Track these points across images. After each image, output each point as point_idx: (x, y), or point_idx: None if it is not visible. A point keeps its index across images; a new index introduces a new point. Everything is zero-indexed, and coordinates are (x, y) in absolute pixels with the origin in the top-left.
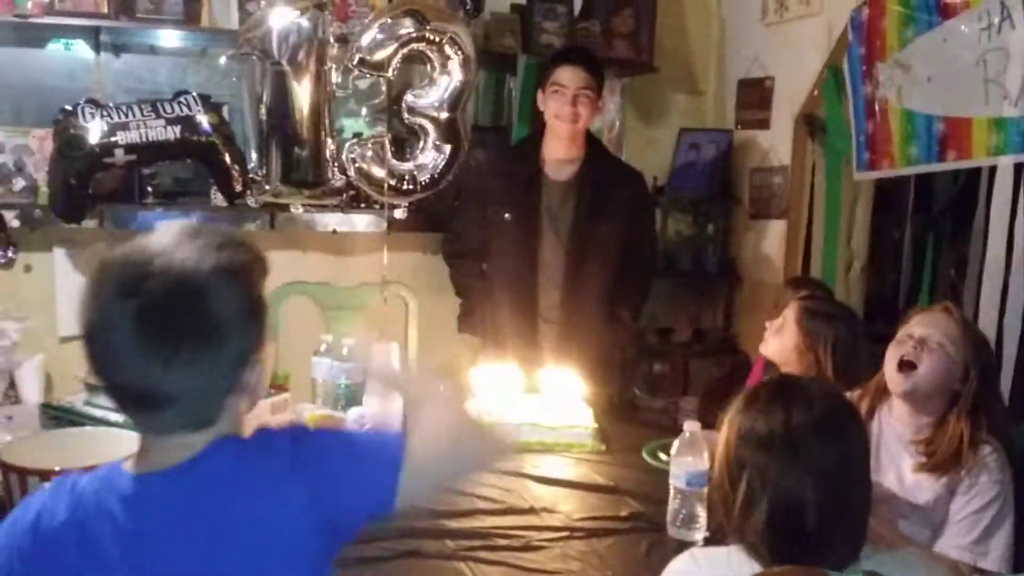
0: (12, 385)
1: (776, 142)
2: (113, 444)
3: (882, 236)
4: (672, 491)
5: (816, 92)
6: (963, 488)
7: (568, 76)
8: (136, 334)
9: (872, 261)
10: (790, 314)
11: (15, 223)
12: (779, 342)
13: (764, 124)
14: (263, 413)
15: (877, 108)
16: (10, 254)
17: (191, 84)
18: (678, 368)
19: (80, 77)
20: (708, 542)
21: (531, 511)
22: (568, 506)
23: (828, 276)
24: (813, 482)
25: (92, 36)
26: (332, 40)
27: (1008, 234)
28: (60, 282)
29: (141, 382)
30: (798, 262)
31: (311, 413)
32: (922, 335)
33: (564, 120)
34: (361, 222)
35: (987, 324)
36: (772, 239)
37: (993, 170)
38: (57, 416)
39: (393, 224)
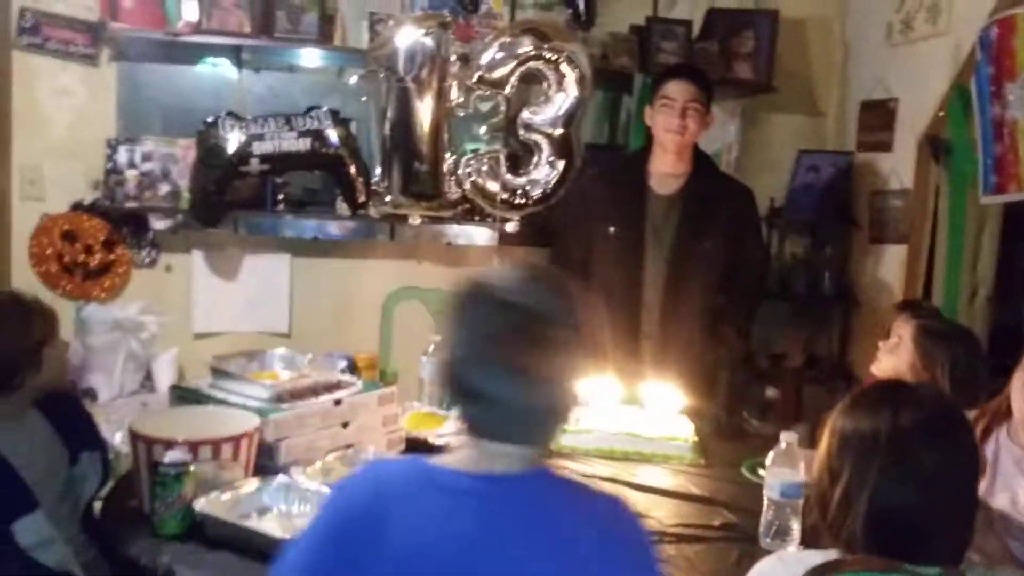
0: (148, 375)
1: (898, 165)
2: (228, 421)
3: (1010, 263)
4: (766, 502)
5: (941, 113)
6: None
7: (677, 89)
8: (494, 348)
9: (998, 290)
10: (906, 333)
11: (159, 225)
12: (893, 361)
13: (886, 146)
14: (370, 403)
15: (1005, 130)
16: (153, 255)
17: (323, 101)
18: (790, 394)
19: (223, 93)
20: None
21: None
22: (661, 512)
23: (949, 303)
24: (915, 485)
25: (235, 54)
26: (454, 58)
27: None
28: (196, 282)
29: (493, 390)
30: (918, 288)
31: (415, 411)
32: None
33: (672, 132)
34: (475, 234)
35: None
36: (891, 264)
37: None
38: (184, 396)
39: (505, 237)
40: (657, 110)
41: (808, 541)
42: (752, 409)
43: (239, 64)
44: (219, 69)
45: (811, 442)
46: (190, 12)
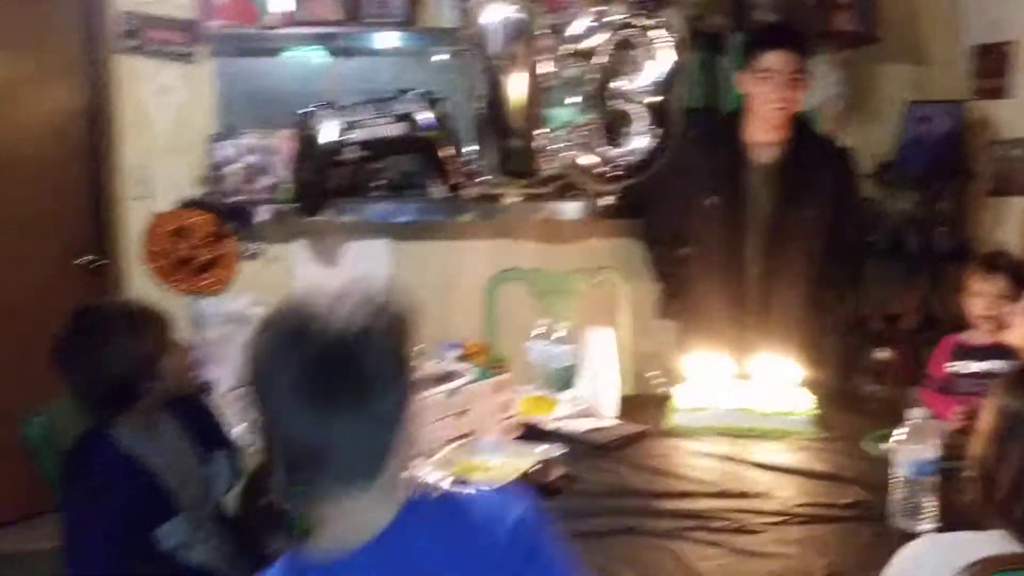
0: None
1: (1018, 112)
2: None
3: None
4: (897, 480)
5: None
6: None
7: (776, 61)
8: (296, 390)
9: None
10: None
11: (263, 216)
12: None
13: (1004, 93)
14: (485, 390)
15: None
16: (258, 246)
17: (413, 82)
18: (906, 356)
19: (315, 81)
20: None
21: (745, 495)
22: (785, 492)
23: None
24: None
25: (326, 42)
26: (544, 31)
27: None
28: (299, 271)
29: (301, 435)
30: None
31: (527, 395)
32: None
33: (774, 105)
34: (570, 210)
35: None
36: (1013, 218)
37: None
38: None
39: (601, 211)
40: (755, 81)
41: (953, 520)
42: (866, 372)
43: (330, 51)
44: (310, 57)
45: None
46: (281, 4)
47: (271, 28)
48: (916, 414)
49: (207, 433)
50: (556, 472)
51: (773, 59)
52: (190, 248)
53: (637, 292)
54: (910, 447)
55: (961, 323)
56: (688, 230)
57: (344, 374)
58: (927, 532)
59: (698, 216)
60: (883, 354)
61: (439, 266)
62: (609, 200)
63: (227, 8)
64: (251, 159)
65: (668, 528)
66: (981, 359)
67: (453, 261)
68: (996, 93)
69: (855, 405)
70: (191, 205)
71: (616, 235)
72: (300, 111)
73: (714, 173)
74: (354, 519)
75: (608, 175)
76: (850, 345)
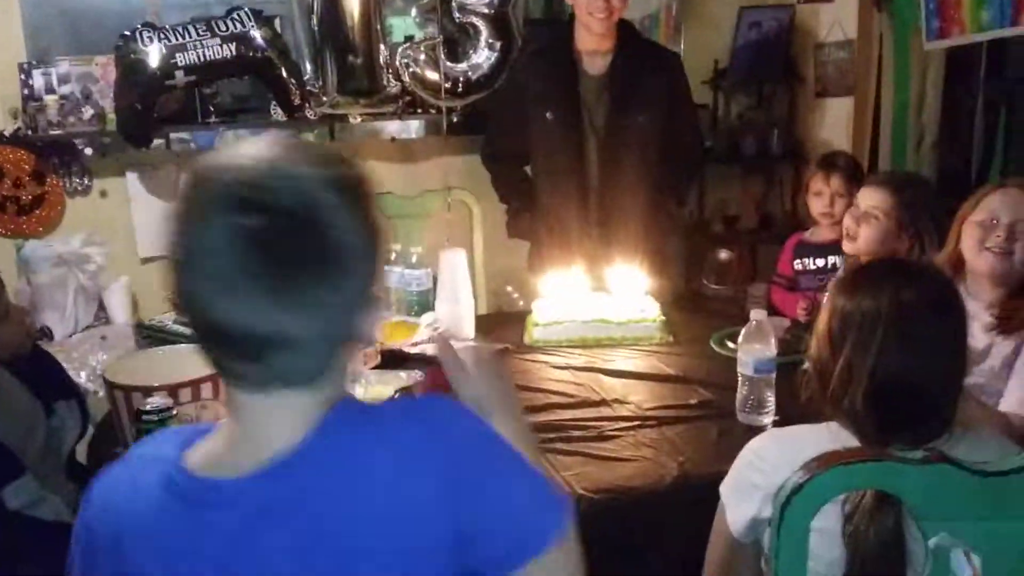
0: (102, 307)
1: (841, 15)
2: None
3: (954, 108)
4: (740, 378)
5: None
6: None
7: None
8: (251, 260)
9: (944, 134)
10: (879, 203)
11: (88, 151)
12: (869, 233)
13: None
14: None
15: None
16: (86, 181)
17: None
18: (745, 255)
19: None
20: (776, 426)
21: (603, 403)
22: (638, 396)
23: (897, 152)
24: (916, 356)
25: None
26: None
27: None
28: (135, 205)
29: (249, 321)
30: (866, 140)
31: (385, 321)
32: (1009, 222)
33: (598, 14)
34: (418, 127)
35: None
36: (839, 118)
37: None
38: (150, 335)
39: (450, 127)
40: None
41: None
42: (709, 273)
43: None
44: None
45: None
46: None
47: None
48: (755, 314)
49: (50, 384)
50: (420, 396)
51: None
52: (8, 188)
53: (490, 210)
54: (750, 346)
55: (797, 222)
56: (528, 146)
57: (304, 246)
58: (769, 425)
59: (537, 131)
60: (724, 255)
61: None
62: (456, 116)
63: None
64: (68, 89)
65: None
66: (822, 256)
67: None
68: None
69: (701, 306)
70: (5, 142)
71: (468, 152)
72: (120, 34)
73: (549, 87)
74: (279, 424)
75: (453, 91)
76: (693, 247)
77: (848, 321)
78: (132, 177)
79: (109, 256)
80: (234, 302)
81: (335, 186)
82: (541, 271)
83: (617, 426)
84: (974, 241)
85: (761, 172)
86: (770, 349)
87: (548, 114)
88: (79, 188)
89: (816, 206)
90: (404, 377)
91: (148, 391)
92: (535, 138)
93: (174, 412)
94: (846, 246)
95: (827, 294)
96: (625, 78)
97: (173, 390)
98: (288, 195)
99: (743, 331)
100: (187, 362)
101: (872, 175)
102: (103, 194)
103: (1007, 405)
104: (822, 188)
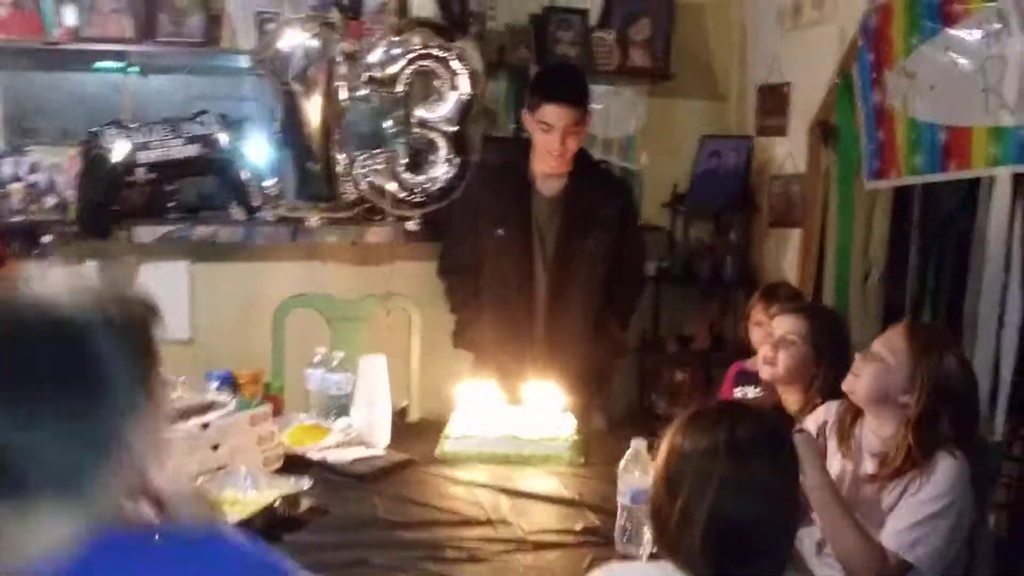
0: None
1: (793, 149)
2: None
3: (900, 246)
4: (619, 507)
5: (830, 99)
6: (912, 488)
7: (554, 115)
8: None
9: (891, 271)
10: (794, 329)
11: (45, 239)
12: (787, 359)
13: (782, 131)
14: (241, 423)
15: (885, 117)
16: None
17: (217, 103)
18: (698, 376)
19: (108, 98)
20: (652, 558)
21: (488, 523)
22: (525, 519)
23: (840, 286)
24: (753, 497)
25: (118, 59)
26: (341, 58)
27: (1007, 247)
28: None
29: None
30: (811, 271)
31: (300, 423)
32: (870, 349)
33: (554, 154)
34: (378, 233)
35: (985, 338)
36: (790, 247)
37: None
38: None
39: (409, 235)
40: (535, 127)
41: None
42: (662, 392)
43: (123, 68)
44: (104, 73)
45: None
46: (68, 19)
47: (56, 44)
48: (634, 443)
49: None
50: (305, 504)
51: (552, 112)
52: None
53: (430, 318)
54: (628, 475)
55: (749, 347)
56: (480, 260)
57: (51, 357)
58: (644, 557)
59: (488, 247)
60: (681, 375)
61: (242, 287)
62: (413, 225)
63: (9, 21)
64: (35, 178)
65: (400, 559)
66: (759, 385)
67: (257, 282)
68: (776, 131)
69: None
70: None
71: (424, 259)
72: (88, 130)
73: (502, 204)
74: (31, 538)
75: (410, 201)
76: (646, 366)
77: (686, 460)
78: (91, 267)
79: None
80: None
81: (100, 321)
82: (464, 383)
83: (493, 548)
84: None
85: (716, 296)
86: (648, 479)
87: (499, 230)
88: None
89: (756, 336)
90: (293, 484)
91: None
92: (485, 252)
93: None
94: (764, 372)
95: (663, 433)
96: (578, 202)
97: None
98: (39, 328)
99: (623, 460)
100: None
101: (785, 304)
102: None
103: (885, 539)
104: (762, 318)
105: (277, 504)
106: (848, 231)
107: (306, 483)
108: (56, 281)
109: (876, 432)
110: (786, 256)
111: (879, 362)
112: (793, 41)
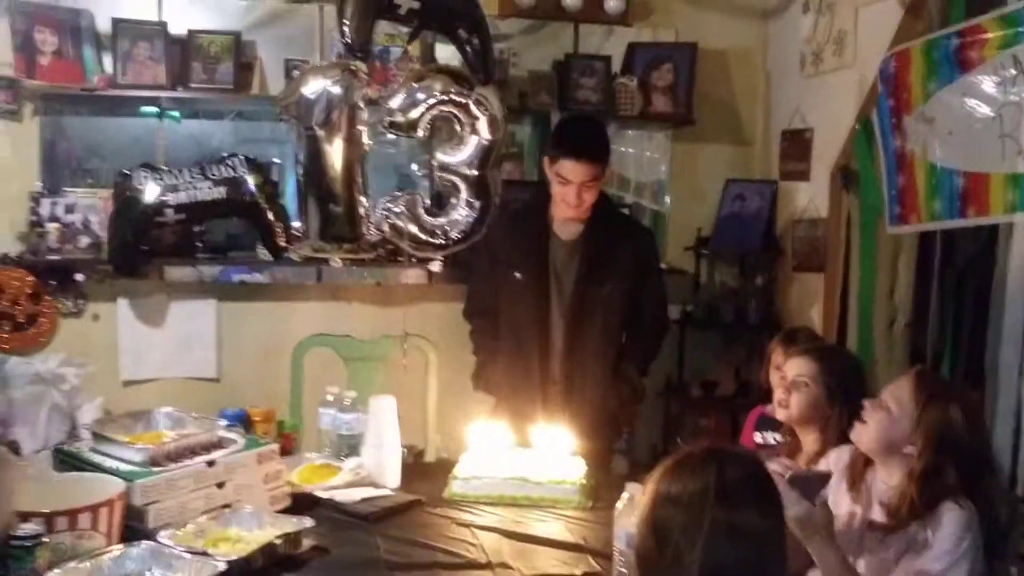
0: (75, 426)
1: (815, 194)
2: (94, 488)
3: (926, 292)
4: (616, 552)
5: (850, 144)
6: (917, 541)
7: (572, 171)
8: None
9: (917, 317)
10: (805, 371)
11: (79, 277)
12: (800, 400)
13: (805, 176)
14: (248, 461)
15: (906, 162)
16: (80, 304)
17: (249, 146)
18: (723, 422)
19: (142, 142)
20: None
21: (488, 566)
22: (526, 563)
23: (863, 331)
24: (745, 537)
25: (152, 105)
26: (363, 104)
27: None
28: (123, 330)
29: None
30: (834, 316)
31: (310, 463)
32: (877, 398)
33: (571, 206)
34: (402, 274)
35: (1007, 388)
36: (812, 292)
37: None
38: (65, 460)
39: (434, 276)
40: (553, 178)
41: None
42: (687, 437)
43: (160, 114)
44: (143, 119)
45: None
46: (106, 67)
47: (94, 91)
48: (630, 488)
49: None
50: (306, 543)
51: (569, 168)
52: (7, 304)
53: (448, 359)
54: (624, 520)
55: (771, 392)
56: (499, 304)
57: None
58: None
59: (506, 289)
60: (705, 420)
61: (268, 326)
62: (436, 267)
63: (52, 68)
64: (71, 218)
65: None
66: (780, 430)
67: (282, 321)
68: (799, 175)
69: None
70: (9, 262)
71: (447, 300)
72: (120, 172)
73: (521, 248)
74: None
75: (431, 243)
76: (671, 411)
77: (673, 505)
78: (123, 303)
79: (91, 377)
80: None
81: None
82: (475, 424)
83: None
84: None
85: (740, 340)
86: None
87: (518, 274)
88: (73, 310)
89: (775, 380)
90: (295, 522)
91: (24, 517)
92: (504, 296)
93: (45, 540)
94: (779, 414)
95: (647, 479)
96: (596, 247)
97: (49, 518)
98: None
99: (619, 504)
100: (78, 490)
101: (796, 346)
102: (95, 317)
103: None
104: (781, 362)
105: (278, 542)
106: (870, 276)
107: (308, 522)
108: None
109: (885, 480)
110: (810, 300)
111: (884, 411)
112: (815, 87)
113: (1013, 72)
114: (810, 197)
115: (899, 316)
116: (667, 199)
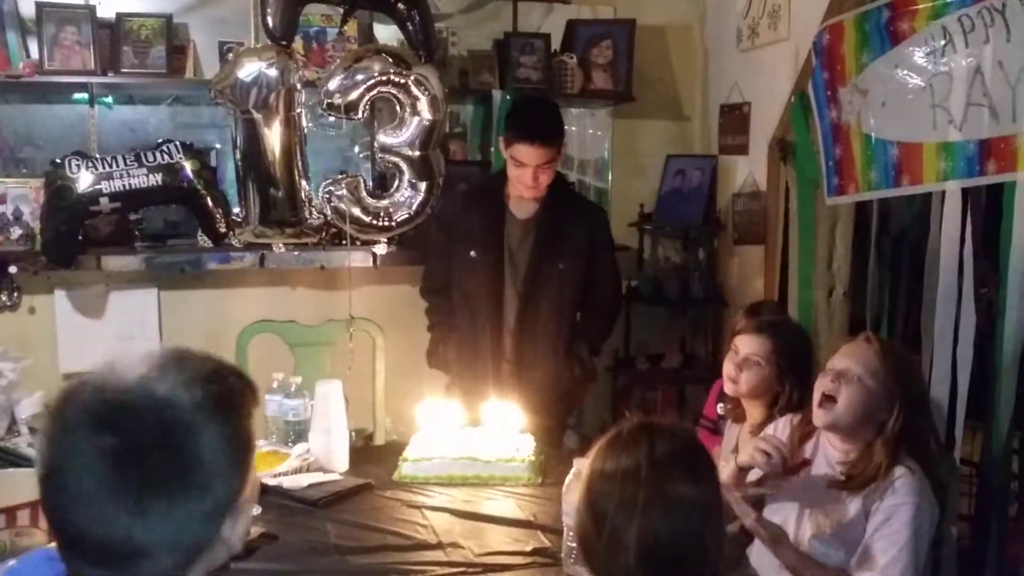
0: (14, 422)
1: (754, 167)
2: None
3: (864, 262)
4: (565, 528)
5: (787, 117)
6: (873, 510)
7: (527, 154)
8: (109, 477)
9: (856, 285)
10: (758, 350)
11: (12, 269)
12: (750, 378)
13: (744, 149)
14: None
15: (841, 133)
16: (15, 297)
17: (184, 132)
18: (670, 394)
19: (74, 129)
20: None
21: (438, 546)
22: (476, 541)
23: (804, 301)
24: (680, 510)
25: (85, 91)
26: (300, 86)
27: (958, 261)
28: (61, 322)
29: (107, 532)
30: (775, 288)
31: (258, 450)
32: (841, 368)
33: (527, 187)
34: (339, 258)
35: (942, 352)
36: (753, 265)
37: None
38: (2, 456)
39: (380, 259)
40: (508, 159)
41: None
42: (634, 411)
43: (91, 100)
44: (74, 106)
45: None
46: (32, 53)
47: (20, 78)
48: (577, 463)
49: None
50: (254, 532)
51: (524, 152)
52: None
53: (395, 341)
54: (572, 495)
55: (718, 364)
56: (454, 282)
57: (160, 464)
58: None
59: (459, 267)
60: (652, 394)
61: (212, 313)
62: (382, 249)
63: None
64: (2, 209)
65: None
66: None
67: (226, 308)
68: (737, 149)
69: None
70: None
71: (396, 282)
72: (52, 160)
73: (477, 226)
74: None
75: (375, 226)
76: (619, 385)
77: (608, 483)
78: (60, 295)
79: (29, 370)
80: (95, 515)
81: (203, 408)
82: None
83: (443, 572)
84: (815, 392)
85: (685, 314)
86: None
87: (472, 252)
88: (8, 303)
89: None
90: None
91: None
92: (458, 274)
93: None
94: (728, 387)
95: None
96: (551, 225)
97: None
98: (146, 417)
99: (567, 479)
100: (18, 486)
101: (749, 321)
102: (32, 310)
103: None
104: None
105: None
106: (809, 246)
107: (256, 509)
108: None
109: (837, 447)
110: (752, 273)
111: (856, 385)
112: (751, 61)
113: (942, 43)
114: (749, 170)
115: (837, 285)
116: (610, 176)
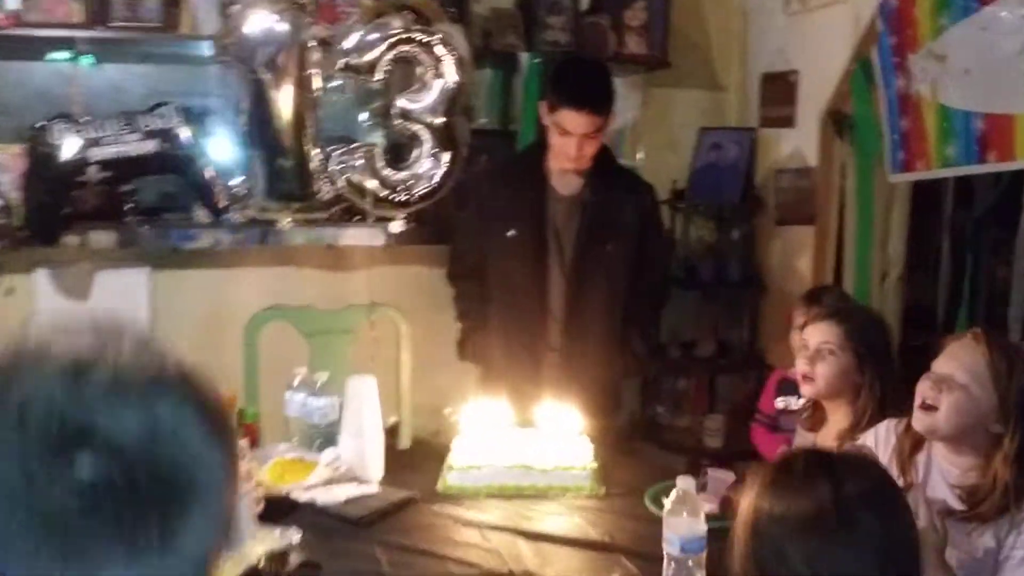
0: None
1: (802, 142)
2: None
3: (921, 242)
4: (666, 557)
5: (844, 87)
6: (1008, 544)
7: (574, 122)
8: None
9: (910, 269)
10: (830, 337)
11: None
12: (827, 371)
13: (789, 122)
14: None
15: (910, 104)
16: None
17: (177, 93)
18: (702, 384)
19: (55, 90)
20: None
21: None
22: (553, 569)
23: (861, 286)
24: (875, 560)
25: (66, 46)
26: (314, 43)
27: None
28: (42, 304)
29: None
30: (828, 271)
31: (280, 457)
32: (944, 374)
33: (571, 158)
34: (359, 235)
35: None
36: (800, 246)
37: None
38: None
39: (394, 236)
40: (552, 128)
41: None
42: (665, 401)
43: (72, 57)
44: (51, 63)
45: (726, 434)
46: (11, 2)
47: None
48: (681, 482)
49: None
50: (294, 560)
51: (571, 119)
52: None
53: (421, 329)
54: (675, 519)
55: (756, 352)
56: (489, 264)
57: (138, 502)
58: None
59: (495, 248)
60: (684, 383)
61: (208, 297)
62: (398, 226)
63: None
64: None
65: None
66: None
67: (225, 291)
68: (782, 122)
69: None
70: None
71: (410, 262)
72: (35, 124)
73: (515, 202)
74: None
75: (392, 200)
76: (650, 374)
77: (781, 527)
78: (42, 274)
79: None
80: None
81: (180, 427)
82: (468, 404)
83: None
84: (916, 394)
85: (719, 298)
86: (699, 523)
87: (511, 231)
88: None
89: (798, 341)
90: (279, 535)
91: None
92: (493, 255)
93: None
94: (805, 390)
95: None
96: (599, 203)
97: None
98: (113, 445)
99: (668, 501)
100: None
101: (815, 310)
102: (10, 291)
103: None
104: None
105: (261, 564)
106: (867, 228)
107: (295, 535)
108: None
109: (952, 462)
110: (797, 255)
111: (958, 391)
112: (801, 25)
113: None
114: (796, 145)
115: (891, 269)
116: (633, 150)
